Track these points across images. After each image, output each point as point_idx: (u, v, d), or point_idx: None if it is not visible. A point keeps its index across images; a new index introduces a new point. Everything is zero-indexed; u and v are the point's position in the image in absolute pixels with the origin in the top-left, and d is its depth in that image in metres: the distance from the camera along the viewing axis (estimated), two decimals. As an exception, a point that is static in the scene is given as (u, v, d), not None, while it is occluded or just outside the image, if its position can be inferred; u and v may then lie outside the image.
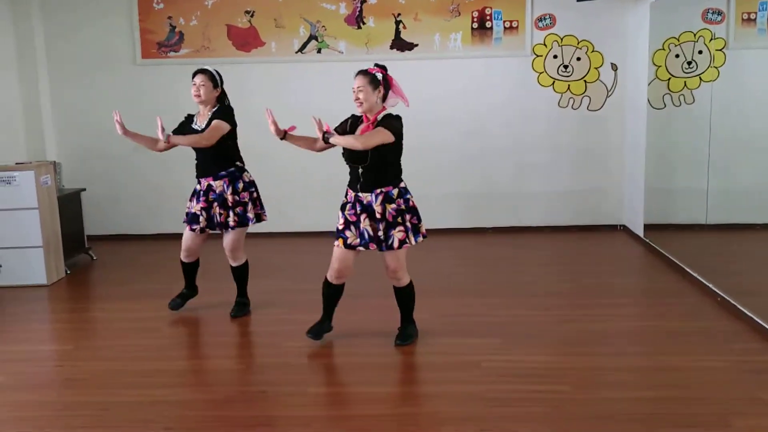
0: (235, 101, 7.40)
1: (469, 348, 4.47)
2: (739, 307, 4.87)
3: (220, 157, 4.98)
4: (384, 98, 4.36)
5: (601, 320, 4.96)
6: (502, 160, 7.76)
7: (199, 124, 4.99)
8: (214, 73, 5.00)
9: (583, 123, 7.67)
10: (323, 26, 7.56)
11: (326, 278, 4.53)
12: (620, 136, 7.67)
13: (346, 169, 4.44)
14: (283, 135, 4.46)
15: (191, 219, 5.05)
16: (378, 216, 4.30)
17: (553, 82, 7.62)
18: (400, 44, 7.58)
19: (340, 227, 4.38)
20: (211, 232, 5.12)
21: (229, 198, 4.96)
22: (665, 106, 6.56)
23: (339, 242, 4.37)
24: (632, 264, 6.63)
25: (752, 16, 5.47)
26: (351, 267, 4.46)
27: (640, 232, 7.19)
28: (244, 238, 5.15)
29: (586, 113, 7.67)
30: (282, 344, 4.63)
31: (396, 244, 4.30)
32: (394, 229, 4.31)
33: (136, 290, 5.93)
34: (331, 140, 4.24)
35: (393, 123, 4.28)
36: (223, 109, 4.98)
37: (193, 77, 4.97)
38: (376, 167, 4.30)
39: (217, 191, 4.97)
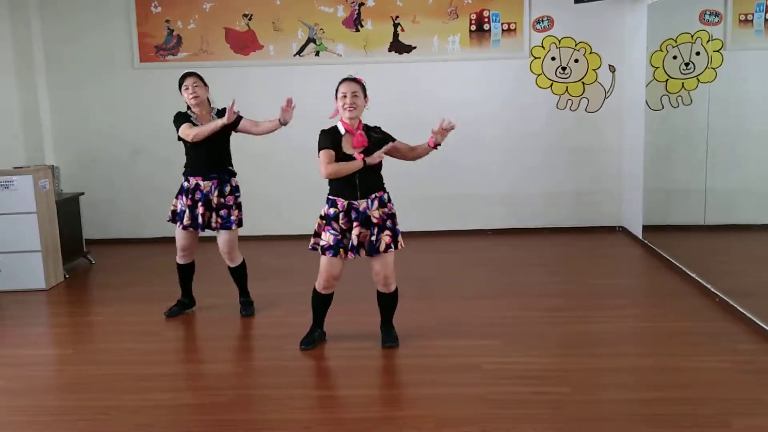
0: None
1: (470, 350, 4.47)
2: (737, 307, 4.88)
3: (218, 159, 5.01)
4: None
5: (600, 321, 4.96)
6: (500, 161, 7.76)
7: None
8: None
9: (582, 124, 7.67)
10: (321, 29, 7.57)
11: (315, 288, 4.54)
12: (618, 138, 7.68)
13: None
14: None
15: (178, 216, 5.07)
16: (375, 221, 4.30)
17: (551, 83, 7.63)
18: (399, 47, 7.58)
19: (338, 237, 4.30)
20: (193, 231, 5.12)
21: (214, 200, 4.99)
22: (663, 107, 6.57)
23: (340, 253, 4.31)
24: (631, 265, 6.63)
25: (749, 18, 5.48)
26: (339, 276, 4.46)
27: (639, 233, 7.19)
28: (237, 239, 5.16)
29: (584, 115, 7.68)
30: (281, 347, 4.63)
31: (383, 247, 4.31)
32: (383, 232, 4.32)
33: (135, 294, 5.92)
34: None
35: (390, 135, 4.44)
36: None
37: (182, 82, 5.00)
38: (373, 172, 4.33)
39: (204, 191, 4.99)
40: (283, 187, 7.78)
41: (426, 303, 5.43)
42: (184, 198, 5.03)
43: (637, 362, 4.28)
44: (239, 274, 5.29)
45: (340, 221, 4.31)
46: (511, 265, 6.68)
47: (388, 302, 4.58)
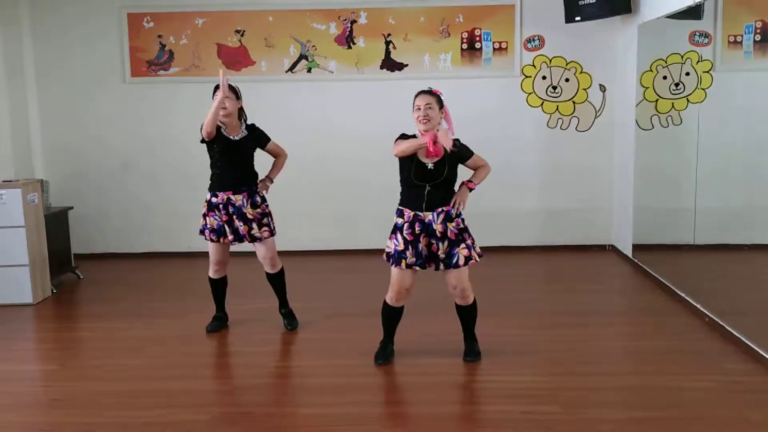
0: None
1: (458, 368, 4.45)
2: (727, 327, 4.88)
3: (246, 173, 5.05)
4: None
5: (589, 340, 4.96)
6: (491, 180, 7.71)
7: None
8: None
9: (572, 143, 7.70)
10: (313, 46, 7.59)
11: (385, 301, 4.54)
12: (609, 157, 7.71)
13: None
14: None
15: (218, 232, 5.03)
16: (438, 235, 4.31)
17: (542, 102, 7.66)
18: (390, 64, 7.61)
19: (399, 248, 4.34)
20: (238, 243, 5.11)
21: (249, 211, 5.00)
22: (653, 127, 6.60)
23: (402, 264, 4.33)
24: (621, 284, 6.63)
25: (738, 39, 5.51)
26: (411, 288, 4.46)
27: (629, 252, 7.20)
28: (275, 246, 5.20)
29: (574, 134, 7.70)
30: (269, 364, 4.60)
31: (462, 261, 4.34)
32: (458, 246, 4.34)
33: (122, 309, 5.88)
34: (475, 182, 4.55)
35: (469, 148, 4.48)
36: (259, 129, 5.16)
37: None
38: (443, 186, 4.35)
39: (236, 204, 4.99)
40: (277, 204, 7.73)
41: (413, 320, 5.39)
42: (216, 213, 5.01)
43: (626, 381, 4.26)
44: (280, 280, 5.29)
45: (404, 232, 4.33)
46: (500, 283, 6.66)
47: (467, 314, 4.58)
